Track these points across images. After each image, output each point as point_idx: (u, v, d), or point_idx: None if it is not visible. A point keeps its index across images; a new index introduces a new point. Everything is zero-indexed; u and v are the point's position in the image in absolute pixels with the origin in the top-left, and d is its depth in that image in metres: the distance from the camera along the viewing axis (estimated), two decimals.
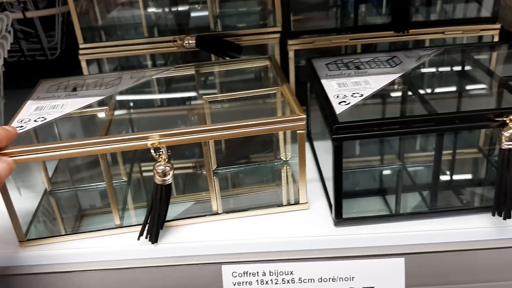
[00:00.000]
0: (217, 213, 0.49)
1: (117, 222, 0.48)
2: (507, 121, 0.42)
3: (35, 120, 0.49)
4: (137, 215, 0.52)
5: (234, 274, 0.45)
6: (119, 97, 0.55)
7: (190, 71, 0.60)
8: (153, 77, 0.60)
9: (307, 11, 0.71)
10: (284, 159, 0.59)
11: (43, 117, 0.50)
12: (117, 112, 0.54)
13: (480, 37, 0.66)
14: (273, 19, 0.68)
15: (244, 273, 0.45)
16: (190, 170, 0.60)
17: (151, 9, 0.71)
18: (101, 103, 0.53)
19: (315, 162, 0.57)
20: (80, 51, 0.67)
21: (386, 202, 0.50)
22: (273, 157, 0.59)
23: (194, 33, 0.67)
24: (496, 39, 0.64)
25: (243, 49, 0.67)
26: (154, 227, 0.46)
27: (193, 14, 0.73)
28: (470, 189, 0.53)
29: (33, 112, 0.51)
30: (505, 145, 0.42)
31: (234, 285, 0.45)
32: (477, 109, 0.44)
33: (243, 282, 0.45)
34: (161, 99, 0.69)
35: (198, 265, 0.45)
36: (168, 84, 0.68)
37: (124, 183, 0.57)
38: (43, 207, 0.54)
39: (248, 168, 0.59)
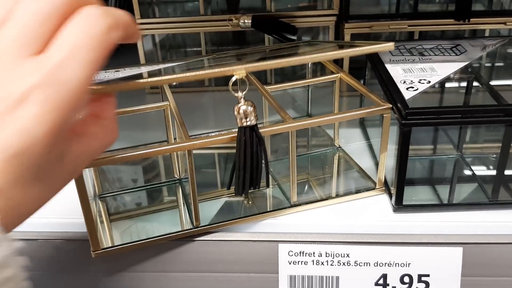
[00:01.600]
0: (296, 205, 0.47)
1: (197, 222, 0.45)
2: None
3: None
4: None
5: (291, 253, 0.46)
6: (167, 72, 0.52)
7: (233, 59, 0.58)
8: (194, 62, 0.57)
9: None
10: (338, 146, 0.58)
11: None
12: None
13: None
14: (329, 1, 0.68)
15: (300, 252, 0.46)
16: None
17: None
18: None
19: (369, 148, 0.57)
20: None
21: (443, 192, 0.50)
22: (327, 144, 0.59)
23: (249, 13, 0.67)
24: None
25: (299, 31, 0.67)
26: (246, 180, 0.42)
27: None
28: None
29: None
30: None
31: (290, 263, 0.46)
32: None
33: (298, 262, 0.46)
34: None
35: (255, 242, 0.46)
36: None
37: (177, 181, 0.54)
38: (99, 212, 0.51)
39: (302, 158, 0.58)
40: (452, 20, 0.63)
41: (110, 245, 0.44)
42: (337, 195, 0.49)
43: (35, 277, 0.41)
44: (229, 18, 0.67)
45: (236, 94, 0.40)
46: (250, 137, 0.41)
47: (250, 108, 0.40)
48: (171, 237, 0.45)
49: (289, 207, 0.48)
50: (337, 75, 0.54)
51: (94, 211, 0.49)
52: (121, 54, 0.80)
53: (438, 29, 0.64)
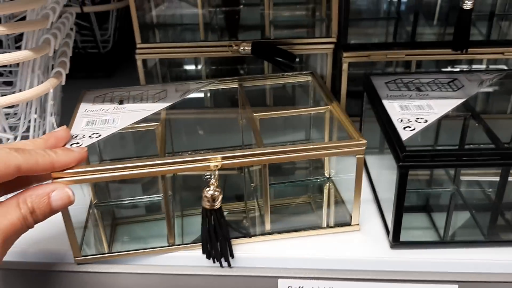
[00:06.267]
0: (270, 233, 0.49)
1: (171, 241, 0.48)
2: None
3: (90, 136, 0.48)
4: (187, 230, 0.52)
5: None
6: (168, 112, 0.54)
7: (233, 84, 0.60)
8: (198, 90, 0.59)
9: (363, 23, 0.71)
10: (328, 176, 0.59)
11: (97, 133, 0.49)
12: (168, 128, 0.53)
13: None
14: (328, 29, 0.68)
15: None
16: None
17: (206, 13, 0.72)
18: (151, 119, 0.53)
19: (367, 177, 0.57)
20: (137, 51, 0.68)
21: (439, 226, 0.51)
22: (317, 173, 0.59)
23: (248, 40, 0.67)
24: None
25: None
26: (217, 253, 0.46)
27: (248, 21, 0.73)
28: None
29: (85, 127, 0.50)
30: None
31: None
32: None
33: None
34: (210, 114, 0.70)
35: (255, 277, 0.46)
36: (213, 98, 0.69)
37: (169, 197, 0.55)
38: (91, 221, 0.54)
39: (290, 185, 0.59)
40: (450, 50, 0.64)
41: (91, 253, 0.48)
42: (311, 227, 0.50)
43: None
44: (229, 44, 0.67)
45: (209, 180, 0.44)
46: (212, 220, 0.45)
47: (216, 194, 0.44)
48: (144, 253, 0.48)
49: (262, 234, 0.49)
50: (327, 107, 0.54)
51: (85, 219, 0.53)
52: (120, 74, 0.79)
53: (435, 59, 0.65)
